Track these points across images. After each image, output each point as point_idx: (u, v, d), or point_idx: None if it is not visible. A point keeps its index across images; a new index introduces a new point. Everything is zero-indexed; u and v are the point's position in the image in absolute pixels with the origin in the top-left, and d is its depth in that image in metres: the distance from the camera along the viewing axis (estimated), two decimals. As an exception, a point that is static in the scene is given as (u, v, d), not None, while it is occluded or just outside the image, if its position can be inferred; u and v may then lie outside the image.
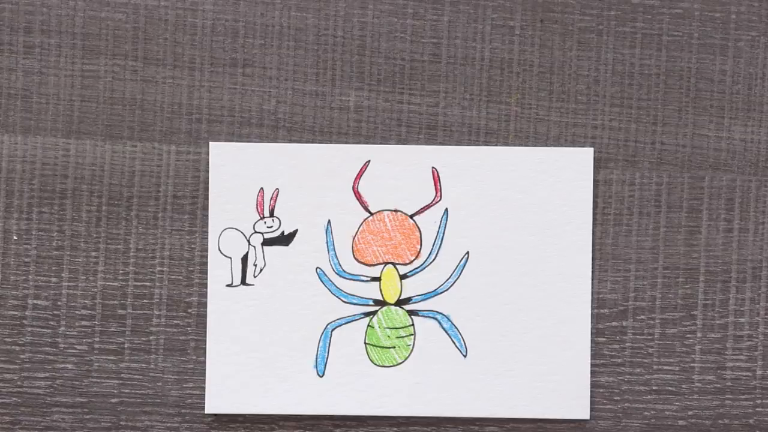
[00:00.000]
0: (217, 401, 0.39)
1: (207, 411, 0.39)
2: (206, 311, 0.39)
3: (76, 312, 0.40)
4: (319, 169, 0.39)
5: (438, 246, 0.39)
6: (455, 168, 0.39)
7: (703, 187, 0.40)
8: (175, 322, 0.40)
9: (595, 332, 0.39)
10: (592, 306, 0.39)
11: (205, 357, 0.39)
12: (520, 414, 0.39)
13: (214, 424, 0.39)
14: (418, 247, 0.39)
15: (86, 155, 0.40)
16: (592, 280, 0.39)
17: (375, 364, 0.39)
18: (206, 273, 0.39)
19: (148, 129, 0.40)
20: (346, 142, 0.40)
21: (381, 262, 0.39)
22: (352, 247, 0.39)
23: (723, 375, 0.40)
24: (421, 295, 0.39)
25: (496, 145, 0.40)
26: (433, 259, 0.39)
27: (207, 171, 0.40)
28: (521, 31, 0.40)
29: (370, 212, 0.39)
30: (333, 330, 0.39)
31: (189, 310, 0.40)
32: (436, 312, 0.39)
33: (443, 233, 0.39)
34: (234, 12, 0.40)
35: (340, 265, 0.39)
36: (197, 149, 0.40)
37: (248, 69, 0.40)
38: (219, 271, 0.39)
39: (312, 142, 0.40)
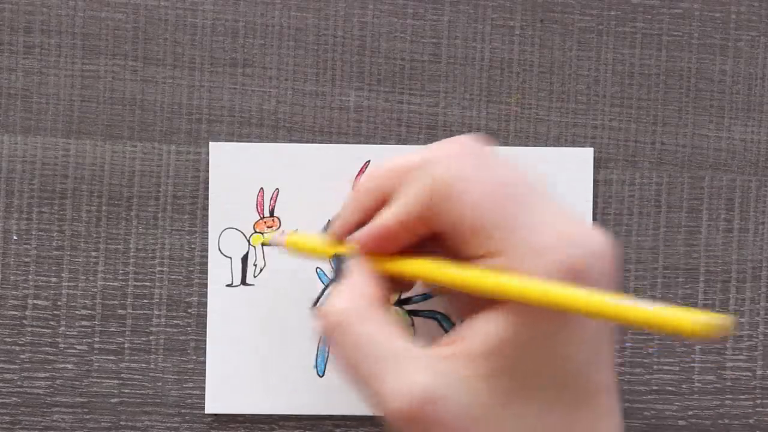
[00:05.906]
0: (217, 401, 0.39)
1: (207, 411, 0.39)
2: (206, 311, 0.39)
3: (76, 312, 0.40)
4: (319, 169, 0.39)
5: (438, 246, 0.39)
6: (455, 168, 0.39)
7: (703, 187, 0.40)
8: (175, 322, 0.40)
9: (595, 332, 0.39)
10: (592, 306, 0.39)
11: (205, 357, 0.39)
12: (520, 414, 0.39)
13: (214, 424, 0.39)
14: (418, 247, 0.39)
15: (86, 155, 0.40)
16: (592, 280, 0.39)
17: (375, 364, 0.39)
18: (206, 273, 0.39)
19: (148, 129, 0.40)
20: (346, 142, 0.40)
21: (381, 262, 0.39)
22: (352, 247, 0.39)
23: (723, 375, 0.40)
24: (421, 295, 0.39)
25: (496, 145, 0.39)
26: (433, 259, 0.39)
27: (207, 171, 0.40)
28: (521, 31, 0.40)
29: (370, 212, 0.39)
30: (333, 330, 0.39)
31: (189, 310, 0.40)
32: (436, 312, 0.39)
33: (443, 233, 0.39)
34: (234, 12, 0.40)
35: (340, 265, 0.39)
36: (197, 149, 0.40)
37: (248, 69, 0.40)
38: (219, 271, 0.39)
39: (312, 142, 0.40)
